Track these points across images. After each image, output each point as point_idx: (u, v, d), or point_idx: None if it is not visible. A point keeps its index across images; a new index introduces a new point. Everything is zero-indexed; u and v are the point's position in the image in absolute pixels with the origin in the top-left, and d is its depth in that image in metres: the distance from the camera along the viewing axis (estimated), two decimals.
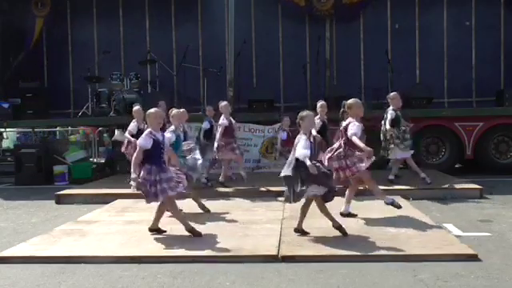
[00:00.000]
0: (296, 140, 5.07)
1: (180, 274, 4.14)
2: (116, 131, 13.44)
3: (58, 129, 15.66)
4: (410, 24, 11.78)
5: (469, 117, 10.11)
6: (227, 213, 6.41)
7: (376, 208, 6.30)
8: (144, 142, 5.02)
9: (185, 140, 6.59)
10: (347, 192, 6.02)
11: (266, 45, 11.97)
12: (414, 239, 4.89)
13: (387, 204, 5.88)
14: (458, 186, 7.82)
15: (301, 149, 4.84)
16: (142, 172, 5.02)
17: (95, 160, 12.94)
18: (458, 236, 5.14)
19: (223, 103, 8.17)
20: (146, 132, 5.18)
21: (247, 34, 11.65)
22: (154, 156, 5.05)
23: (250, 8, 12.01)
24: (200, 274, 4.13)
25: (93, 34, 12.51)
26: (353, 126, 5.53)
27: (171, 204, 5.24)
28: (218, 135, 7.99)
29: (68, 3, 12.61)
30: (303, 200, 5.11)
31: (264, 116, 10.28)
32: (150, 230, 5.36)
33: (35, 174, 10.47)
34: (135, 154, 5.04)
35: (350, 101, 5.77)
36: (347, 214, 5.92)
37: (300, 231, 5.18)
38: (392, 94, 8.02)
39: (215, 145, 8.02)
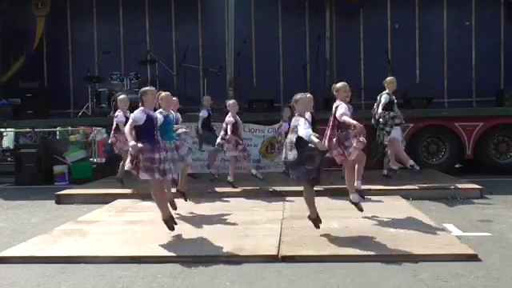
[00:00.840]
0: (293, 122, 5.00)
1: (180, 274, 4.14)
2: (95, 130, 13.49)
3: (58, 129, 15.64)
4: (410, 24, 11.78)
5: (469, 117, 10.10)
6: (227, 213, 6.40)
7: (376, 208, 6.30)
8: (138, 115, 4.96)
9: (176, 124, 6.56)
10: (356, 170, 5.91)
11: (265, 45, 11.97)
12: (414, 239, 4.89)
13: (352, 202, 5.80)
14: (457, 186, 7.81)
15: (303, 129, 4.78)
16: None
17: (95, 160, 12.94)
18: (458, 236, 5.13)
19: (231, 101, 8.13)
20: (139, 108, 5.08)
21: (247, 34, 11.65)
22: (147, 132, 4.99)
23: (249, 8, 12.01)
24: (200, 274, 4.13)
25: (93, 34, 12.51)
26: (340, 108, 5.57)
27: (158, 186, 5.14)
28: (222, 132, 7.97)
29: (68, 3, 12.61)
30: (301, 201, 5.10)
31: (264, 116, 10.28)
32: (164, 220, 5.18)
33: (35, 174, 10.47)
34: (127, 127, 4.93)
35: (338, 84, 5.84)
36: (361, 190, 5.91)
37: (315, 220, 5.11)
38: (389, 78, 7.98)
39: (218, 141, 8.04)
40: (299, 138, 4.82)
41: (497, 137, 10.20)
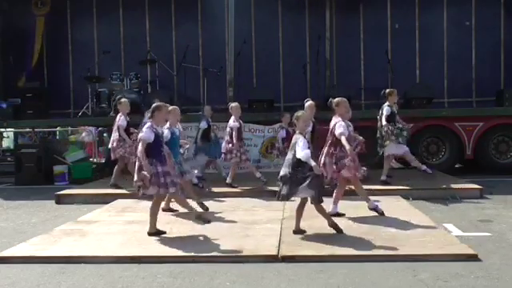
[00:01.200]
0: (293, 140, 5.09)
1: (180, 274, 4.14)
2: (84, 133, 13.47)
3: (58, 129, 15.64)
4: (410, 24, 11.77)
5: (469, 117, 10.11)
6: (227, 213, 6.40)
7: None
8: (147, 135, 5.01)
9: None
10: (335, 192, 6.02)
11: (265, 45, 11.97)
12: (414, 239, 4.89)
13: (370, 209, 5.97)
14: (457, 186, 7.82)
15: (301, 150, 4.86)
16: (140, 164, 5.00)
17: (95, 160, 12.94)
18: (458, 236, 5.14)
19: (234, 104, 8.08)
20: (147, 125, 5.14)
21: (247, 34, 11.65)
22: (154, 149, 5.06)
23: (250, 8, 12.01)
24: (200, 274, 4.13)
25: (93, 34, 12.50)
26: (339, 127, 5.60)
27: (159, 203, 5.32)
28: (227, 137, 7.90)
29: (68, 3, 12.61)
30: (298, 202, 5.14)
31: (264, 116, 10.28)
32: (150, 234, 5.28)
33: (35, 174, 10.46)
34: (140, 148, 5.00)
35: (338, 99, 5.84)
36: (335, 214, 5.85)
37: (298, 232, 5.19)
38: (388, 90, 7.98)
39: (224, 147, 7.92)
40: (298, 159, 4.89)
41: (497, 137, 10.20)
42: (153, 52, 11.73)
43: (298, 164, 4.92)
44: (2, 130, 14.42)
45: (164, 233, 5.31)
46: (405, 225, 5.48)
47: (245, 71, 11.42)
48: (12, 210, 7.47)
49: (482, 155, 10.13)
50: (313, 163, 4.83)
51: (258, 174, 8.14)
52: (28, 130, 13.96)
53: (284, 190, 5.00)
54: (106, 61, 11.73)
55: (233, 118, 7.95)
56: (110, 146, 8.19)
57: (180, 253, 4.64)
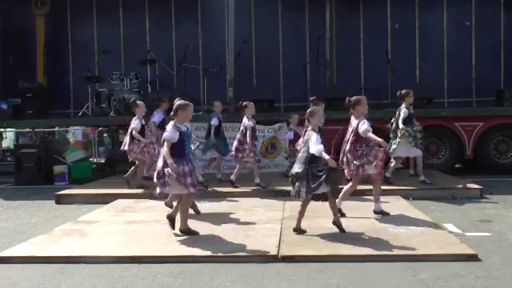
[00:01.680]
0: (305, 137, 5.11)
1: (180, 274, 4.14)
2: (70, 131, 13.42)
3: (56, 129, 15.65)
4: (410, 24, 11.79)
5: (469, 117, 10.10)
6: (227, 213, 6.40)
7: None
8: (171, 135, 5.00)
9: None
10: (343, 190, 5.95)
11: (265, 45, 11.98)
12: (414, 239, 4.89)
13: (376, 213, 5.99)
14: (457, 186, 7.82)
15: (315, 145, 4.89)
16: (163, 163, 5.01)
17: (95, 160, 12.94)
18: (458, 236, 5.14)
19: (248, 103, 7.94)
20: (171, 125, 5.11)
21: (247, 34, 11.66)
22: (177, 148, 5.04)
23: (250, 8, 12.02)
24: (200, 274, 4.13)
25: (93, 34, 12.51)
26: (363, 124, 5.65)
27: (189, 200, 5.29)
28: (239, 136, 7.80)
29: (68, 3, 12.62)
30: (300, 201, 5.15)
31: (264, 116, 10.26)
32: (181, 231, 5.23)
33: (35, 174, 10.47)
34: (165, 149, 4.96)
35: (358, 97, 5.91)
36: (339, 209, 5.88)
37: (298, 231, 5.19)
38: (404, 90, 7.88)
39: (236, 145, 7.79)
40: (312, 155, 4.93)
41: (497, 137, 10.20)
42: (153, 52, 11.73)
43: (312, 160, 4.95)
44: (2, 130, 14.43)
45: (197, 234, 5.23)
46: (405, 225, 5.48)
47: (245, 71, 11.43)
48: (12, 210, 7.48)
49: (482, 155, 10.13)
50: (327, 157, 4.86)
51: (257, 180, 7.92)
52: (28, 130, 13.98)
53: (301, 187, 5.00)
54: (106, 61, 11.74)
55: (247, 116, 7.81)
56: (123, 148, 8.06)
57: (180, 253, 4.64)
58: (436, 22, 11.75)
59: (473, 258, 4.35)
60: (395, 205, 6.71)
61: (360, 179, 5.93)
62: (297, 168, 5.04)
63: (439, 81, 11.60)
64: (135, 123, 7.88)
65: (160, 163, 5.08)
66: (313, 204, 5.24)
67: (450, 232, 5.34)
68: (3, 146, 16.37)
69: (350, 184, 6.00)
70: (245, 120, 7.82)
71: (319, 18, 11.76)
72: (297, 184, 5.05)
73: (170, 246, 4.88)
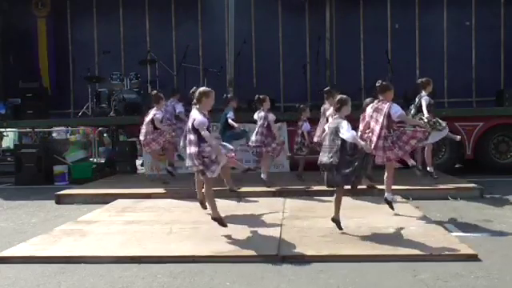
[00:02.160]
0: (331, 125, 5.10)
1: (180, 274, 4.14)
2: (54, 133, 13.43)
3: (54, 129, 15.64)
4: (410, 24, 11.77)
5: (469, 117, 10.10)
6: (227, 213, 6.38)
7: (376, 208, 6.31)
8: (203, 119, 5.11)
9: None
10: (386, 181, 6.00)
11: (265, 45, 11.96)
12: (414, 239, 4.89)
13: (386, 200, 5.99)
14: (457, 186, 7.82)
15: (347, 131, 4.89)
16: (198, 148, 5.07)
17: (95, 160, 12.94)
18: (457, 236, 5.14)
19: (264, 96, 7.95)
20: (197, 111, 5.20)
21: (247, 34, 11.65)
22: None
23: (250, 8, 12.01)
24: (200, 274, 4.13)
25: (93, 34, 12.50)
26: (395, 107, 5.67)
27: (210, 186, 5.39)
28: (261, 129, 7.74)
29: (68, 3, 12.61)
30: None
31: None
32: (213, 218, 5.34)
33: (35, 174, 10.46)
34: (204, 133, 5.04)
35: (387, 83, 6.03)
36: (390, 202, 6.06)
37: (336, 222, 5.16)
38: (425, 78, 7.81)
39: (260, 139, 7.75)
40: (343, 141, 4.90)
41: (497, 137, 10.19)
42: (153, 52, 11.71)
43: (342, 147, 4.92)
44: (2, 130, 14.43)
45: (225, 226, 5.31)
46: (405, 225, 5.48)
47: (245, 71, 11.42)
48: (12, 210, 7.48)
49: (482, 155, 10.12)
50: (362, 142, 4.89)
51: (264, 176, 7.94)
52: (28, 129, 13.98)
53: (336, 177, 4.97)
54: (106, 61, 11.72)
55: (267, 110, 7.79)
56: (143, 141, 8.20)
57: (180, 253, 4.64)
58: (436, 22, 11.74)
59: (473, 258, 4.35)
60: (395, 205, 6.70)
61: (391, 165, 5.90)
62: (328, 157, 4.98)
63: (439, 81, 11.56)
64: (158, 113, 8.02)
65: (196, 149, 5.07)
66: (313, 204, 5.24)
67: (450, 232, 5.34)
68: (3, 145, 16.36)
69: (386, 174, 5.97)
70: (266, 113, 7.78)
71: (319, 18, 11.73)
72: (330, 173, 5.01)
73: (170, 246, 4.88)
